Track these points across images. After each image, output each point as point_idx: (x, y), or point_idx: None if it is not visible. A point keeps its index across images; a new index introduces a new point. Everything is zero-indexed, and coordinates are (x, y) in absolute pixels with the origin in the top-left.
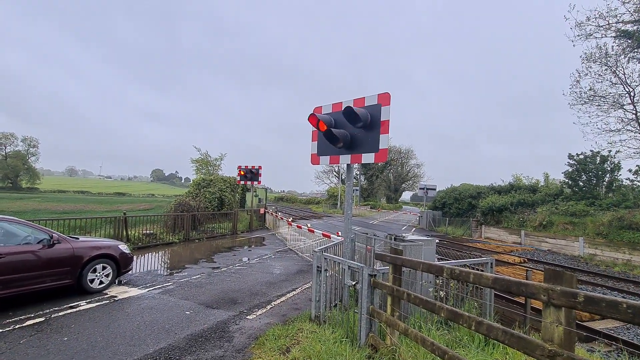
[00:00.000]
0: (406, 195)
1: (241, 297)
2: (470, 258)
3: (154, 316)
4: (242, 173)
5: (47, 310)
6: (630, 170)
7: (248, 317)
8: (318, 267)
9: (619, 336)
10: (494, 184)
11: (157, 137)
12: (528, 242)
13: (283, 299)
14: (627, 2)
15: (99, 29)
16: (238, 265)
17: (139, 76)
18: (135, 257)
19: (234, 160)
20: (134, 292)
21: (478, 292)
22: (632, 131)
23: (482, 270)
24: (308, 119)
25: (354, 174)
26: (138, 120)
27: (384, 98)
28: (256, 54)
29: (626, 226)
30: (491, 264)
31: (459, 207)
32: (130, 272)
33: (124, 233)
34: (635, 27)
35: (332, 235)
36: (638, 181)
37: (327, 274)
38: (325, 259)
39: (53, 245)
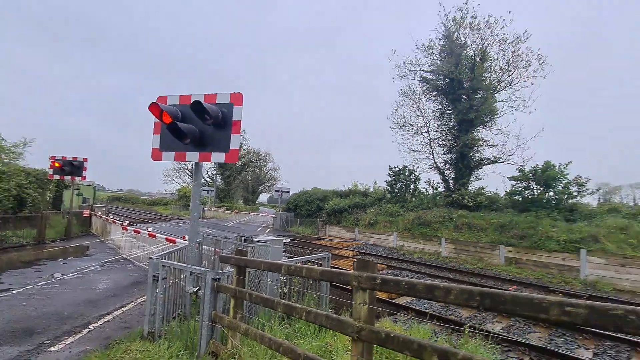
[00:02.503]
0: (263, 197)
1: (43, 324)
2: (314, 254)
3: None
4: (57, 165)
5: None
6: (426, 182)
7: (51, 348)
8: (154, 276)
9: (414, 307)
10: (337, 189)
11: None
12: (361, 237)
13: (108, 318)
14: (427, 57)
15: None
16: (43, 284)
17: None
18: None
19: (49, 149)
20: None
21: (317, 285)
22: (427, 152)
23: (321, 264)
24: (149, 108)
25: (210, 173)
26: None
27: (237, 98)
28: (81, 14)
29: (422, 223)
30: (328, 258)
31: (309, 209)
32: None
33: None
34: (431, 76)
35: (177, 240)
36: (429, 190)
37: (169, 283)
38: (163, 266)
39: None
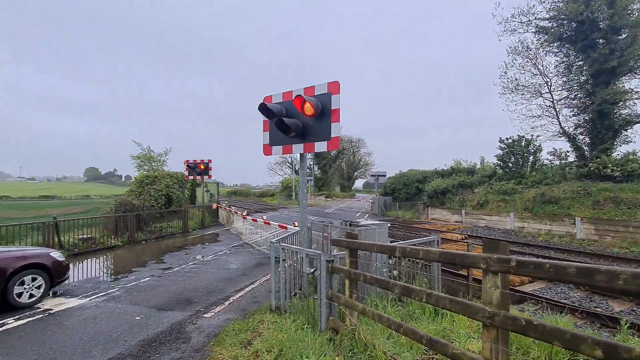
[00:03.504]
0: (359, 183)
1: (197, 296)
2: (419, 238)
3: (99, 326)
4: (190, 167)
5: None
6: (549, 153)
7: (205, 315)
8: (276, 257)
9: (543, 296)
10: (437, 169)
11: (82, 132)
12: (468, 220)
13: (242, 293)
14: (544, 2)
15: None
16: (191, 264)
17: (23, 54)
18: (71, 265)
19: (180, 154)
20: (72, 302)
21: (427, 269)
22: (549, 117)
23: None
24: (258, 109)
25: (308, 164)
26: (46, 110)
27: (334, 87)
28: (188, 34)
29: (547, 200)
30: (437, 241)
31: (408, 192)
32: (66, 282)
33: (56, 239)
34: (550, 24)
35: (288, 226)
36: (555, 161)
37: (286, 264)
38: (282, 249)
39: None
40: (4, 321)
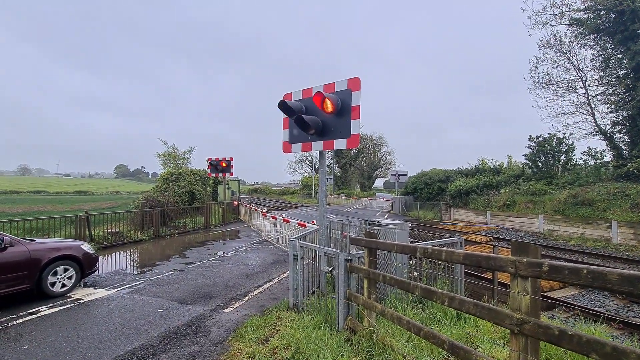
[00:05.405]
0: (379, 182)
1: (217, 290)
2: (441, 239)
3: (124, 317)
4: (212, 165)
5: (3, 319)
6: (583, 152)
7: (225, 310)
8: (294, 255)
9: (576, 303)
10: (461, 168)
11: (113, 130)
12: (493, 221)
13: (260, 289)
14: None
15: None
16: (212, 259)
17: (60, 54)
18: (100, 257)
19: (203, 152)
20: (100, 293)
21: (449, 271)
22: (584, 114)
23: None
24: (278, 106)
25: (328, 162)
26: (81, 108)
27: (354, 83)
28: (206, 29)
29: (580, 202)
30: (461, 243)
31: (429, 192)
32: (95, 273)
33: (87, 232)
34: (586, 15)
35: (307, 224)
36: (589, 161)
37: (304, 262)
38: (301, 247)
39: (5, 249)
40: (38, 309)
